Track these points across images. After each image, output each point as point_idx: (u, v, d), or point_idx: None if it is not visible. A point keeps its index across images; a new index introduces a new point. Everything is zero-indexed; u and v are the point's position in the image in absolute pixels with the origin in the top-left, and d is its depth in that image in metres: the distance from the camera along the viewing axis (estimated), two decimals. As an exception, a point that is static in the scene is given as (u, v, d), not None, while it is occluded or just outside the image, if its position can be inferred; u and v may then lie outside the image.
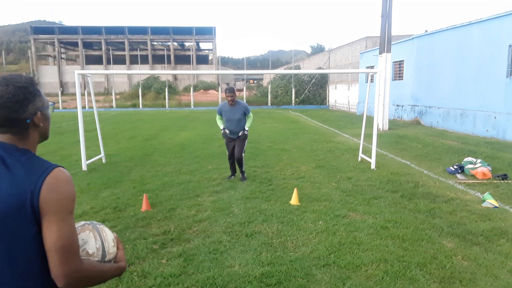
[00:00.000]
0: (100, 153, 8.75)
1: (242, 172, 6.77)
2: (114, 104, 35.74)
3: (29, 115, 1.27)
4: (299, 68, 39.45)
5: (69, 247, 1.17)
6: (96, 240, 1.35)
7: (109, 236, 1.42)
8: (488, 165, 7.20)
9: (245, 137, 6.61)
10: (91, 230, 1.36)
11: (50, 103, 1.38)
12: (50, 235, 1.16)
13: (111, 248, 1.39)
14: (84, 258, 1.25)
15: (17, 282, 1.19)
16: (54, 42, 65.86)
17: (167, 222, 4.71)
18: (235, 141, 6.59)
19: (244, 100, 34.47)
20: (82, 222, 1.40)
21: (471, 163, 7.26)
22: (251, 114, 6.63)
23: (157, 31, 66.80)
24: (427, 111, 16.61)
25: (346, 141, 11.82)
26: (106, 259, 1.35)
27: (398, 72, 19.77)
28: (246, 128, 6.54)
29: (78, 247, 1.22)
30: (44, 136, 1.37)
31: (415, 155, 9.16)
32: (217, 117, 6.74)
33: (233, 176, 6.86)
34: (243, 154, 6.67)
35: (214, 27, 67.47)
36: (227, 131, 6.58)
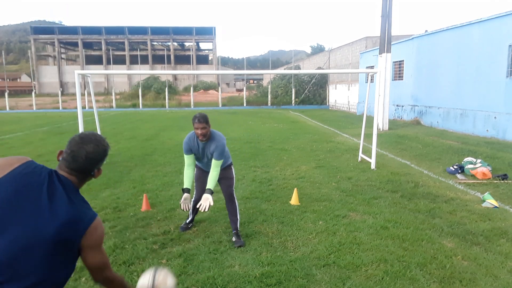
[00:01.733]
0: (100, 153, 8.74)
1: (238, 232, 4.13)
2: (114, 104, 35.73)
3: (95, 169, 1.69)
4: (299, 68, 39.44)
5: (103, 266, 1.70)
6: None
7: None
8: (488, 165, 7.20)
9: (230, 166, 4.30)
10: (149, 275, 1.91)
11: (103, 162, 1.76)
12: (92, 260, 1.64)
13: None
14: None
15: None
16: (54, 42, 65.91)
17: (167, 222, 4.71)
18: (206, 175, 4.13)
19: (244, 102, 34.50)
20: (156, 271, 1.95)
21: (471, 163, 7.26)
22: (220, 164, 3.97)
23: (157, 31, 66.84)
24: (427, 111, 16.61)
25: (346, 141, 11.82)
26: None
27: (398, 72, 19.77)
28: (210, 187, 3.88)
29: (108, 264, 1.73)
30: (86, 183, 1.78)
31: (415, 155, 9.16)
32: (186, 161, 4.22)
33: (191, 224, 4.48)
34: (233, 189, 4.27)
35: (214, 27, 67.56)
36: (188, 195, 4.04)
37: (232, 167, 4.35)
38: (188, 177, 4.16)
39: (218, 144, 3.95)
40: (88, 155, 1.62)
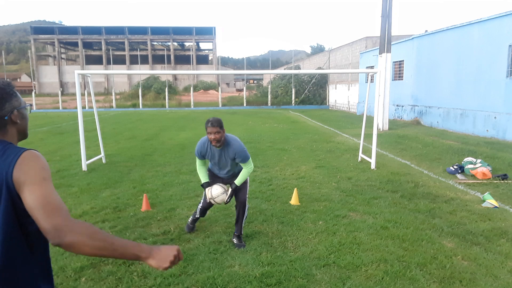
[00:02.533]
0: (100, 153, 8.75)
1: (240, 236, 4.07)
2: (114, 104, 35.74)
3: (6, 113, 1.41)
4: (299, 68, 39.44)
5: (50, 205, 1.24)
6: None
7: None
8: (488, 165, 7.20)
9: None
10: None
11: (26, 104, 1.52)
12: (29, 199, 1.25)
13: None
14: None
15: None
16: (54, 42, 65.90)
17: (167, 222, 4.71)
18: (230, 180, 4.13)
19: (244, 102, 34.50)
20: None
21: (471, 163, 7.26)
22: (250, 162, 3.97)
23: (157, 31, 66.84)
24: (427, 111, 16.61)
25: (346, 141, 11.82)
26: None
27: (398, 72, 19.77)
28: (237, 183, 3.94)
29: (61, 206, 1.26)
30: (22, 134, 1.51)
31: (415, 155, 9.16)
32: (198, 162, 4.08)
33: (193, 227, 4.39)
34: (247, 197, 4.16)
35: (214, 27, 67.51)
36: (210, 185, 4.01)
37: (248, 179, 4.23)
38: (203, 173, 4.09)
39: (237, 149, 3.83)
40: None
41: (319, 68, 33.25)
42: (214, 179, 4.16)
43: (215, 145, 3.79)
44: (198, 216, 4.36)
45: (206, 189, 3.98)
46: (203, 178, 4.07)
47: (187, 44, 74.97)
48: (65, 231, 1.20)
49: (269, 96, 34.43)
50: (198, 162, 4.10)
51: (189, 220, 4.45)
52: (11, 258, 1.31)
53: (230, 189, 3.94)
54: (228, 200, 3.91)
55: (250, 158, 3.99)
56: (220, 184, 4.03)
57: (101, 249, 1.23)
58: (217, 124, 3.69)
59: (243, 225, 4.14)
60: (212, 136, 3.71)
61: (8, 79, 1.67)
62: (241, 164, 3.96)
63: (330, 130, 15.00)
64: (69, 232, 1.20)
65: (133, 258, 1.30)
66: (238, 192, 4.06)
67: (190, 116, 24.31)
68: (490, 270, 3.38)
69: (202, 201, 4.25)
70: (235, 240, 4.03)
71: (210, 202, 4.05)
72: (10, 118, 1.43)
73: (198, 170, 4.12)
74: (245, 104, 34.35)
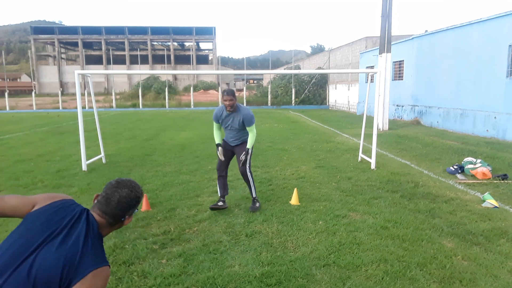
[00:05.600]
0: (100, 153, 8.75)
1: (254, 198, 5.04)
2: (114, 104, 35.74)
3: (126, 215, 1.69)
4: (299, 68, 39.45)
5: None
6: None
7: None
8: (488, 165, 7.20)
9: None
10: None
11: (136, 210, 1.79)
12: None
13: None
14: None
15: None
16: (54, 42, 65.91)
17: (167, 222, 4.71)
18: (235, 148, 5.08)
19: (244, 102, 34.50)
20: None
21: (471, 163, 7.26)
22: (254, 128, 4.94)
23: (157, 31, 66.84)
24: (427, 111, 16.61)
25: (346, 141, 11.82)
26: None
27: (398, 72, 19.77)
28: (248, 147, 4.93)
29: None
30: (114, 230, 1.77)
31: (415, 155, 9.16)
32: (214, 126, 5.08)
33: (221, 203, 5.00)
34: (248, 167, 5.00)
35: (214, 27, 67.50)
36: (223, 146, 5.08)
37: (252, 148, 5.10)
38: (217, 135, 5.08)
39: (244, 114, 4.85)
40: (120, 200, 1.65)
41: (319, 68, 33.25)
42: (225, 144, 5.08)
43: (229, 110, 4.80)
44: (220, 194, 5.08)
45: (219, 151, 4.98)
46: (217, 139, 5.07)
47: (187, 44, 74.98)
48: None
49: (269, 96, 34.44)
50: (214, 126, 5.08)
51: (217, 204, 5.01)
52: None
53: (244, 154, 4.91)
54: (242, 157, 4.88)
55: (254, 124, 4.95)
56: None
57: None
58: (231, 93, 4.76)
59: (253, 187, 5.04)
60: (227, 103, 4.73)
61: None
62: (247, 128, 4.91)
63: (330, 130, 15.00)
64: None
65: None
66: (238, 162, 5.01)
67: (190, 116, 24.31)
68: (490, 270, 3.38)
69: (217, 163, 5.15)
70: (251, 204, 5.05)
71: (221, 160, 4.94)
72: (124, 221, 1.70)
73: (214, 132, 5.10)
74: (245, 104, 34.32)
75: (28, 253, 1.43)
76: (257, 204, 5.01)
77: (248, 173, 4.99)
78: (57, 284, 1.41)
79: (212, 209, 4.94)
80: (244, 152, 4.90)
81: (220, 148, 4.98)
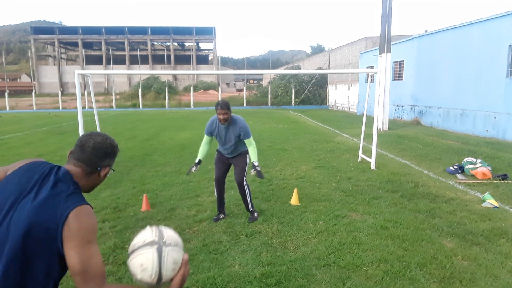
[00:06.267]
0: (100, 153, 8.74)
1: (251, 211, 4.76)
2: (114, 104, 35.74)
3: (101, 165, 1.65)
4: (299, 68, 39.44)
5: (88, 271, 1.35)
6: (153, 266, 1.35)
7: (170, 261, 1.38)
8: (488, 165, 7.20)
9: (245, 153, 4.71)
10: (153, 254, 1.36)
11: (113, 169, 1.75)
12: (71, 260, 1.36)
13: (168, 274, 1.38)
14: (138, 280, 1.38)
15: None
16: (54, 42, 65.89)
17: (167, 222, 4.71)
18: (231, 160, 4.73)
19: (244, 102, 34.50)
20: (150, 239, 1.39)
21: (471, 163, 7.26)
22: (252, 140, 4.57)
23: (157, 31, 66.82)
24: (427, 111, 16.61)
25: (346, 141, 11.82)
26: (161, 283, 1.38)
27: (398, 72, 19.77)
28: (255, 164, 4.54)
29: (99, 272, 1.37)
30: (92, 187, 1.69)
31: (415, 155, 9.16)
32: (204, 139, 4.72)
33: (222, 216, 4.78)
34: (245, 178, 4.67)
35: (214, 27, 67.48)
36: (220, 153, 4.76)
37: (247, 155, 4.73)
38: (202, 152, 4.73)
39: (241, 126, 4.48)
40: (95, 145, 1.61)
41: (319, 68, 33.24)
42: (220, 156, 4.76)
43: (223, 124, 4.45)
44: (218, 209, 4.82)
45: (193, 168, 4.62)
46: (200, 155, 4.72)
47: (187, 44, 74.95)
48: None
49: (269, 96, 34.43)
50: (204, 140, 4.71)
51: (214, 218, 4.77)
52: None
53: (253, 169, 4.53)
54: (254, 172, 4.50)
55: (252, 136, 4.60)
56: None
57: None
58: (226, 106, 4.37)
59: (249, 201, 4.71)
60: (221, 117, 4.39)
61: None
62: (245, 141, 4.53)
63: (330, 130, 15.00)
64: None
65: None
66: (234, 173, 4.72)
67: (190, 116, 24.30)
68: (490, 270, 3.38)
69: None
70: (249, 216, 4.74)
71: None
72: (100, 171, 1.65)
73: (201, 147, 4.73)
74: (245, 104, 34.35)
75: (1, 216, 1.41)
76: (256, 215, 4.75)
77: (245, 184, 4.65)
78: (44, 236, 1.37)
79: (215, 221, 4.68)
80: (253, 169, 4.52)
81: (198, 166, 4.65)
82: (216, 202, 4.85)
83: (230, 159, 4.70)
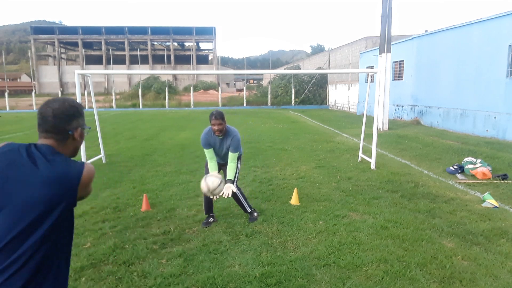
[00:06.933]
0: (100, 153, 8.75)
1: (250, 212, 4.68)
2: (114, 104, 35.74)
3: (72, 128, 1.62)
4: (299, 68, 39.44)
5: (90, 193, 1.66)
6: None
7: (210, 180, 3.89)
8: (488, 165, 7.20)
9: (238, 157, 4.56)
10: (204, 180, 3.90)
11: (88, 127, 1.74)
12: (83, 193, 1.58)
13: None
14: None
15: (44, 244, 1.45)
16: (54, 42, 65.88)
17: (167, 222, 4.71)
18: (222, 166, 4.64)
19: (244, 102, 34.51)
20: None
21: (471, 163, 7.26)
22: (237, 157, 4.45)
23: (157, 31, 66.82)
24: (427, 111, 16.61)
25: (346, 141, 11.82)
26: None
27: (398, 72, 19.77)
28: (232, 179, 4.37)
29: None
30: (75, 151, 1.70)
31: (415, 155, 9.16)
32: (208, 154, 4.48)
33: (212, 219, 4.61)
34: (235, 184, 4.48)
35: (214, 27, 67.48)
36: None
37: (239, 161, 4.63)
38: (213, 169, 4.48)
39: (233, 138, 4.36)
40: (55, 112, 1.59)
41: (319, 68, 33.24)
42: (218, 166, 4.60)
43: (218, 135, 4.32)
44: (206, 214, 4.66)
45: (202, 181, 4.13)
46: (213, 168, 4.48)
47: (187, 44, 74.96)
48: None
49: (269, 96, 34.43)
50: (207, 155, 4.49)
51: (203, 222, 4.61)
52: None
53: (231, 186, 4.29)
54: (228, 195, 4.23)
55: (241, 153, 4.51)
56: (215, 175, 4.22)
57: None
58: (220, 117, 4.23)
59: (245, 204, 4.64)
60: (215, 127, 4.25)
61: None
62: (230, 153, 4.37)
63: (330, 130, 15.00)
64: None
65: None
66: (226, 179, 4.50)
67: (190, 116, 24.30)
68: (490, 270, 3.38)
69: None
70: (249, 216, 4.67)
71: (208, 196, 4.27)
72: (72, 134, 1.63)
73: (209, 166, 4.51)
74: (245, 104, 34.35)
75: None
76: (255, 214, 4.68)
77: (236, 190, 4.50)
78: (67, 195, 1.49)
79: (205, 226, 4.50)
80: (229, 192, 4.23)
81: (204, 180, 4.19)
82: (203, 206, 4.67)
83: (221, 165, 4.61)
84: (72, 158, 1.62)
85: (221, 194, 4.12)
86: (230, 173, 4.36)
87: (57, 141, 1.60)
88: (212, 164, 4.49)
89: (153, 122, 19.67)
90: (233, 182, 4.33)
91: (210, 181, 4.02)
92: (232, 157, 4.38)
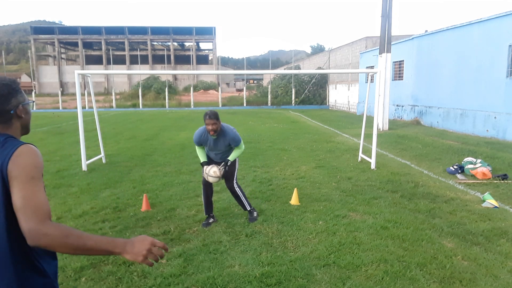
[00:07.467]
0: (100, 153, 8.75)
1: (249, 211, 4.71)
2: (114, 104, 35.74)
3: (12, 107, 1.50)
4: (299, 68, 39.44)
5: (30, 208, 1.30)
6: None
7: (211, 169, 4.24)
8: (488, 165, 7.20)
9: (233, 161, 4.60)
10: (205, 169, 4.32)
11: (30, 100, 1.61)
12: (14, 197, 1.33)
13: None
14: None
15: None
16: (54, 42, 65.88)
17: (167, 222, 4.71)
18: (220, 161, 4.64)
19: (244, 102, 34.51)
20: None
21: (471, 163, 7.26)
22: (242, 145, 4.54)
23: (157, 31, 66.81)
24: (427, 111, 16.61)
25: (346, 141, 11.82)
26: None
27: (398, 72, 19.77)
28: (230, 159, 4.48)
29: (41, 208, 1.32)
30: (25, 128, 1.59)
31: (415, 155, 9.16)
32: (197, 147, 4.62)
33: (212, 220, 4.63)
34: (235, 182, 4.64)
35: (214, 27, 67.47)
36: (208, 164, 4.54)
37: (236, 160, 4.67)
38: (202, 154, 4.60)
39: (231, 136, 4.39)
40: None
41: (319, 68, 33.23)
42: (210, 161, 4.65)
43: (212, 135, 4.31)
44: (206, 215, 4.68)
45: (204, 167, 4.45)
46: (202, 158, 4.59)
47: (187, 44, 74.95)
48: (39, 235, 1.27)
49: (269, 96, 34.43)
50: (197, 147, 4.62)
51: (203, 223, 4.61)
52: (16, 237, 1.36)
53: (223, 164, 4.46)
54: (221, 170, 4.38)
55: (242, 141, 4.54)
56: (215, 165, 4.50)
57: (75, 250, 1.31)
58: (214, 116, 4.22)
59: (245, 202, 4.68)
60: (210, 127, 4.24)
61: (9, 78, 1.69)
62: (234, 148, 4.51)
63: (330, 130, 15.00)
64: (43, 236, 1.27)
65: (108, 254, 1.37)
66: (225, 180, 4.62)
67: (190, 116, 24.30)
68: (490, 270, 3.38)
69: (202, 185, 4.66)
70: (249, 216, 4.70)
71: (207, 179, 4.44)
72: (15, 113, 1.51)
73: (198, 152, 4.63)
74: (245, 104, 34.35)
75: None
76: (255, 214, 4.70)
77: (236, 188, 4.62)
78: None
79: (205, 226, 4.51)
80: (223, 163, 4.42)
81: (205, 167, 4.45)
82: (204, 207, 4.70)
83: (216, 162, 4.58)
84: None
85: (216, 172, 4.33)
86: (232, 155, 4.49)
87: (2, 124, 1.50)
88: (201, 149, 4.60)
89: (153, 122, 19.67)
90: (227, 162, 4.45)
91: (208, 168, 4.42)
92: (237, 148, 4.51)
